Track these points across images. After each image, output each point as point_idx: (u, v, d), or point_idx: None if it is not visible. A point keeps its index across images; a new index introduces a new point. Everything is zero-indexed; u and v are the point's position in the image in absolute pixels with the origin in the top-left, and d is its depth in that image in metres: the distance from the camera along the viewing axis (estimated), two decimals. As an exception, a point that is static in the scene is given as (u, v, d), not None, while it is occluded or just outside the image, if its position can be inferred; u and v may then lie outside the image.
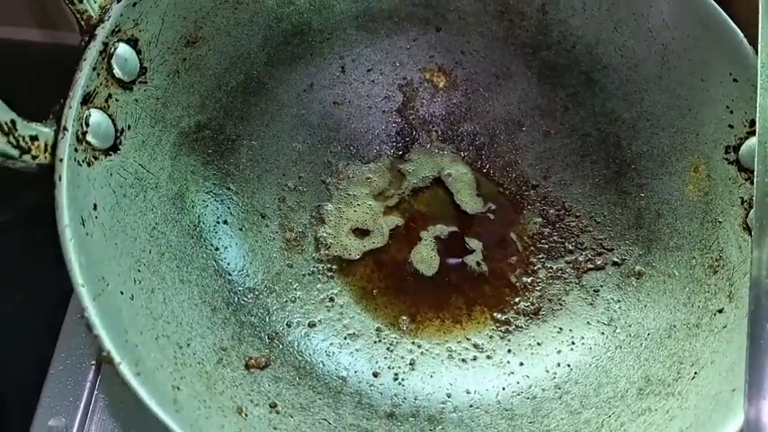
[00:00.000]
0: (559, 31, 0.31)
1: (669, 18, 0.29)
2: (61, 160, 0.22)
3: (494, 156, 0.33)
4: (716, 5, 0.27)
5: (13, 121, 0.21)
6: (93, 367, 0.29)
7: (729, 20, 0.27)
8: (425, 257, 0.31)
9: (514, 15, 0.32)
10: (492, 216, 0.32)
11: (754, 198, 0.24)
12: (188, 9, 0.28)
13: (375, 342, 0.28)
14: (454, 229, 0.31)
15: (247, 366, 0.25)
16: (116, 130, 0.25)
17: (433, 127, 0.34)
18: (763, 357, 0.20)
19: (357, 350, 0.28)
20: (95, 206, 0.23)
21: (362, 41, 0.33)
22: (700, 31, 0.28)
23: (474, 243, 0.31)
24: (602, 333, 0.28)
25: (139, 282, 0.23)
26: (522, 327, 0.29)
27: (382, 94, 0.34)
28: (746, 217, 0.26)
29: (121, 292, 0.22)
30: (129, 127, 0.26)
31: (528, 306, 0.29)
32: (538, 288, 0.30)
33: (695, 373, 0.23)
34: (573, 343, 0.28)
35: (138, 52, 0.26)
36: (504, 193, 0.32)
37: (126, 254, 0.23)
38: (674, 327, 0.26)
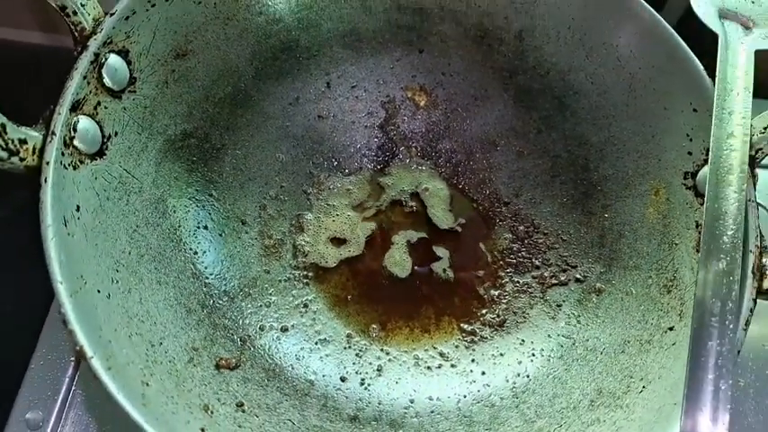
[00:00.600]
0: (535, 57, 0.33)
1: (637, 49, 0.30)
2: (48, 163, 0.23)
3: (469, 173, 0.34)
4: (680, 39, 0.29)
5: (3, 125, 0.23)
6: (73, 363, 0.30)
7: (692, 54, 0.29)
8: (398, 260, 0.32)
9: (493, 41, 0.33)
10: (462, 230, 0.33)
11: (704, 221, 0.25)
12: (179, 23, 0.29)
13: (345, 348, 0.29)
14: (424, 235, 0.33)
15: (218, 366, 0.26)
16: (103, 136, 0.26)
17: (413, 143, 0.35)
18: (701, 373, 0.21)
19: (327, 355, 0.29)
20: (78, 208, 0.24)
21: (348, 59, 0.35)
22: (665, 62, 0.29)
23: (441, 251, 0.32)
24: (562, 346, 0.29)
25: (117, 281, 0.24)
26: (486, 337, 0.30)
27: (365, 110, 0.35)
28: (700, 240, 0.27)
29: (98, 291, 0.23)
30: (116, 133, 0.27)
31: (494, 318, 0.31)
32: (504, 301, 0.31)
33: (643, 387, 0.25)
34: (533, 354, 0.29)
35: (129, 63, 0.27)
36: (478, 208, 0.34)
37: (106, 254, 0.25)
38: (628, 342, 0.27)
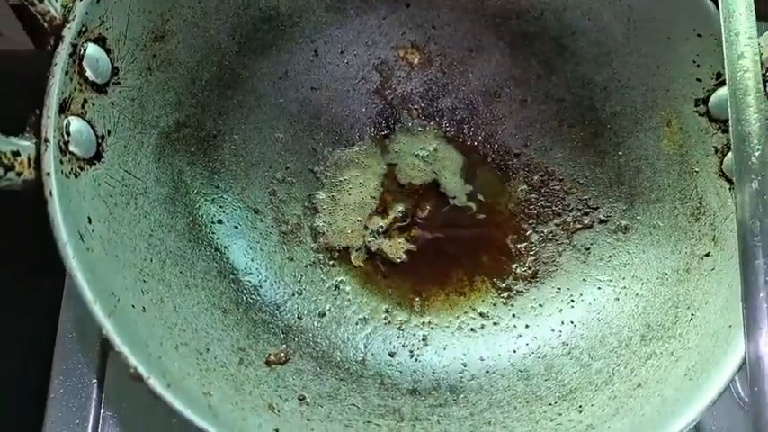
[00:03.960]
0: (527, -1, 0.32)
1: (632, -21, 0.30)
2: (49, 174, 0.21)
3: (475, 128, 0.34)
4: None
5: (-10, 138, 0.20)
6: (96, 385, 0.28)
7: (689, -22, 0.28)
8: (409, 173, 0.32)
9: (482, -15, 0.32)
10: (477, 190, 0.32)
11: (732, 145, 0.25)
12: (153, 1, 0.26)
13: (386, 323, 0.29)
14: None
15: (268, 363, 0.25)
16: (97, 137, 0.24)
17: (413, 104, 0.34)
18: (755, 293, 0.22)
19: (370, 333, 0.28)
20: (90, 219, 0.22)
21: (333, 23, 0.32)
22: (662, -10, 0.29)
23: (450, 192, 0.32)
24: (599, 288, 0.29)
25: (147, 292, 0.23)
26: (522, 291, 0.30)
27: (358, 76, 0.33)
28: (721, 165, 0.28)
29: (133, 306, 0.21)
30: (108, 132, 0.24)
31: (525, 271, 0.31)
32: (532, 252, 0.31)
33: (692, 314, 0.25)
34: (572, 300, 0.29)
35: (108, 51, 0.25)
36: (489, 164, 0.33)
37: (129, 265, 0.23)
38: (666, 274, 0.27)
